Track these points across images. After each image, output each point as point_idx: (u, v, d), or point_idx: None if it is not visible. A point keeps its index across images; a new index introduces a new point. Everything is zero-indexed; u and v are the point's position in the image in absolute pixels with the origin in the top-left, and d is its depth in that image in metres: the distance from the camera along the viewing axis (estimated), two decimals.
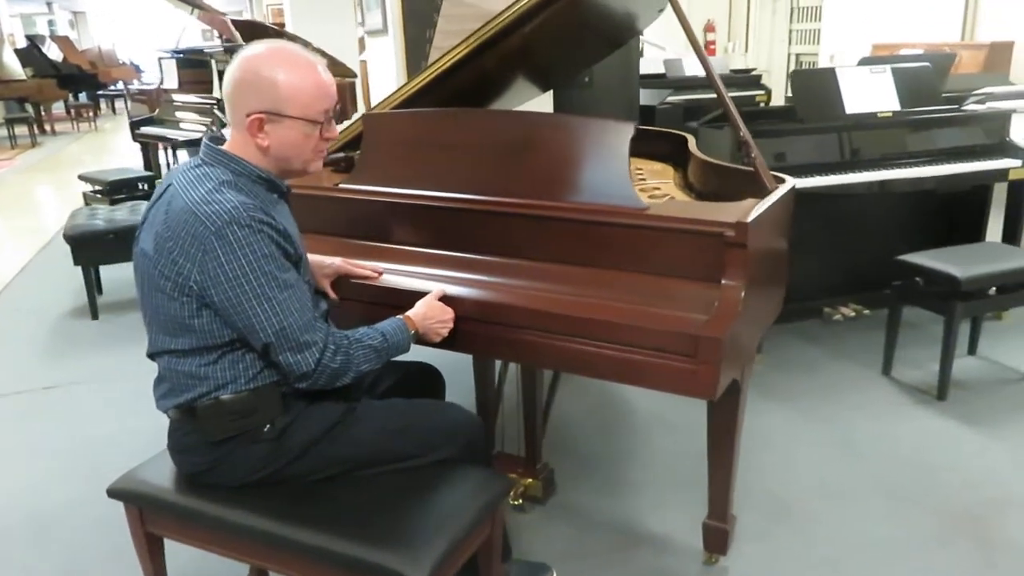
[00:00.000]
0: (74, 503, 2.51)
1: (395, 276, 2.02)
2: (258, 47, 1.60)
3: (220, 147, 1.62)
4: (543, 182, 1.97)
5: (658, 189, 2.39)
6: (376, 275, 2.00)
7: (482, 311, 1.86)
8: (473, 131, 2.10)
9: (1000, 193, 3.74)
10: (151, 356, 1.67)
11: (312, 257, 1.89)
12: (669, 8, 2.23)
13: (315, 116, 1.61)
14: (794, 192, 2.11)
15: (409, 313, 1.76)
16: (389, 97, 2.44)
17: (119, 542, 2.19)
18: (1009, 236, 3.77)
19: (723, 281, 1.71)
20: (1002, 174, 3.45)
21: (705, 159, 2.51)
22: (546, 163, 1.98)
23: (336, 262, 1.98)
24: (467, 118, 2.18)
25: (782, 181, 2.10)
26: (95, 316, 4.18)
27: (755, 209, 1.81)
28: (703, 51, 2.13)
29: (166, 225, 1.54)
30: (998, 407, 2.92)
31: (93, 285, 4.21)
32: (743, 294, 1.69)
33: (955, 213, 3.83)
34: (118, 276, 4.61)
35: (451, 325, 1.81)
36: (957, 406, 2.92)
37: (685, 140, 2.75)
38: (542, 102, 3.48)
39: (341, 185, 2.22)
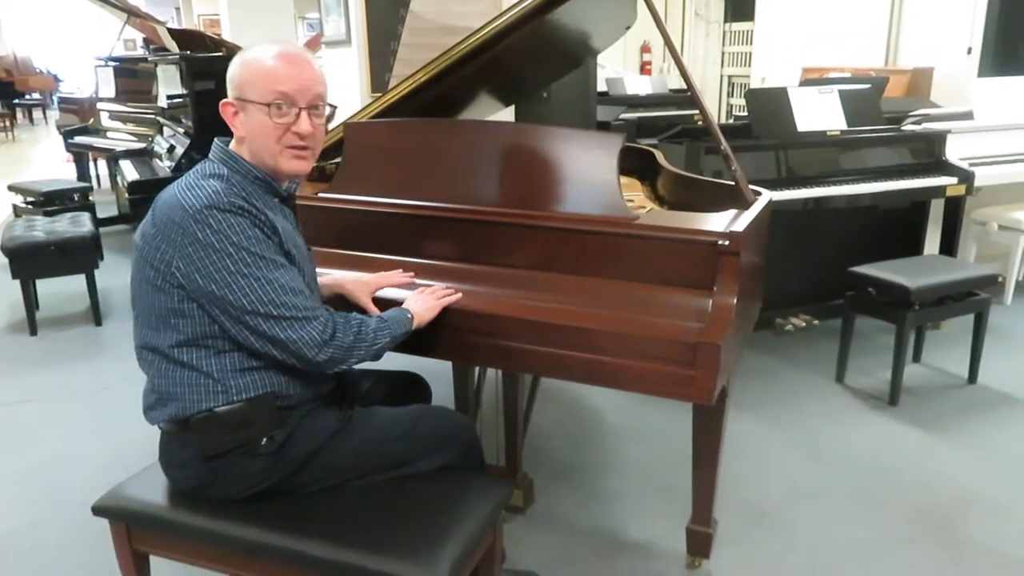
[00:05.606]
0: (32, 527, 2.39)
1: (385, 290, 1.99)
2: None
3: (227, 147, 1.62)
4: (532, 192, 1.98)
5: (631, 201, 2.43)
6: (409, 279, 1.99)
7: (476, 322, 1.85)
8: (460, 141, 2.10)
9: (936, 209, 3.94)
10: (138, 351, 1.62)
11: (347, 275, 1.95)
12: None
13: (268, 98, 1.54)
14: (771, 205, 2.19)
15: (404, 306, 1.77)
16: (362, 110, 2.44)
17: (90, 562, 2.11)
18: (946, 249, 3.98)
19: (716, 289, 1.75)
20: (940, 190, 3.64)
21: (677, 172, 2.57)
22: (535, 173, 1.99)
23: (374, 278, 1.96)
24: (454, 128, 2.19)
25: (759, 194, 2.17)
26: (34, 332, 3.99)
27: (743, 219, 1.87)
28: (690, 76, 2.21)
29: (152, 215, 1.55)
30: (946, 411, 3.06)
31: (32, 300, 4.02)
32: (735, 301, 1.74)
33: (895, 227, 4.02)
34: (55, 290, 4.43)
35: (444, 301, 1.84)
36: (909, 411, 3.05)
37: (651, 154, 2.81)
38: (503, 117, 3.51)
39: (322, 194, 2.19)
